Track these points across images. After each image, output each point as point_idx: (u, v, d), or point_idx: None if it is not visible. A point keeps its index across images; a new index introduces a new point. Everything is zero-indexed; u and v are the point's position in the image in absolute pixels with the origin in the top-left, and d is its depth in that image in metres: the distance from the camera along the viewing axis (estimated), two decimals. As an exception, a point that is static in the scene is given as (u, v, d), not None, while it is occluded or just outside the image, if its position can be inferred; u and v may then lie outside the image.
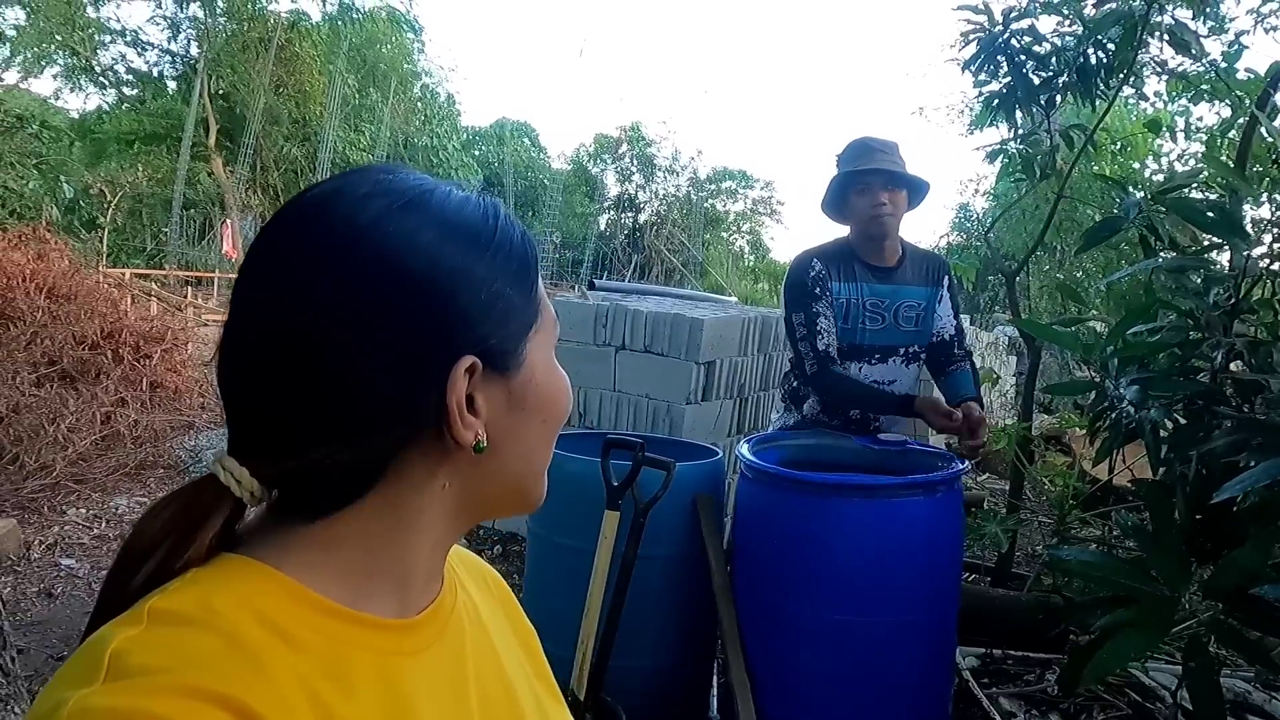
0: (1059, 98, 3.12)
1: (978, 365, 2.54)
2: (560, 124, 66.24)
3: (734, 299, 8.04)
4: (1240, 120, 3.35)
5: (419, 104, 23.41)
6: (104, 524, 3.98)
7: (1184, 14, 2.98)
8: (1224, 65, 3.39)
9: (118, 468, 4.63)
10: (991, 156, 4.14)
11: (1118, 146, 6.04)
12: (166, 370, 5.88)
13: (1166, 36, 2.81)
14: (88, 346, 5.42)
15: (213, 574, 0.47)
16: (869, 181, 2.23)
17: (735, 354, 3.97)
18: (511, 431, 0.54)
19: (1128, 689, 2.40)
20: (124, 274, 9.65)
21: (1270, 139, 2.62)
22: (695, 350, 3.72)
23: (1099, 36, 2.85)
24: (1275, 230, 1.91)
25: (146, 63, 20.66)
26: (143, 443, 4.98)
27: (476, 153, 26.57)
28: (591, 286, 5.23)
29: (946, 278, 2.39)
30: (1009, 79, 3.09)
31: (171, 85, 20.75)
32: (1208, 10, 3.49)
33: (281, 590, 0.48)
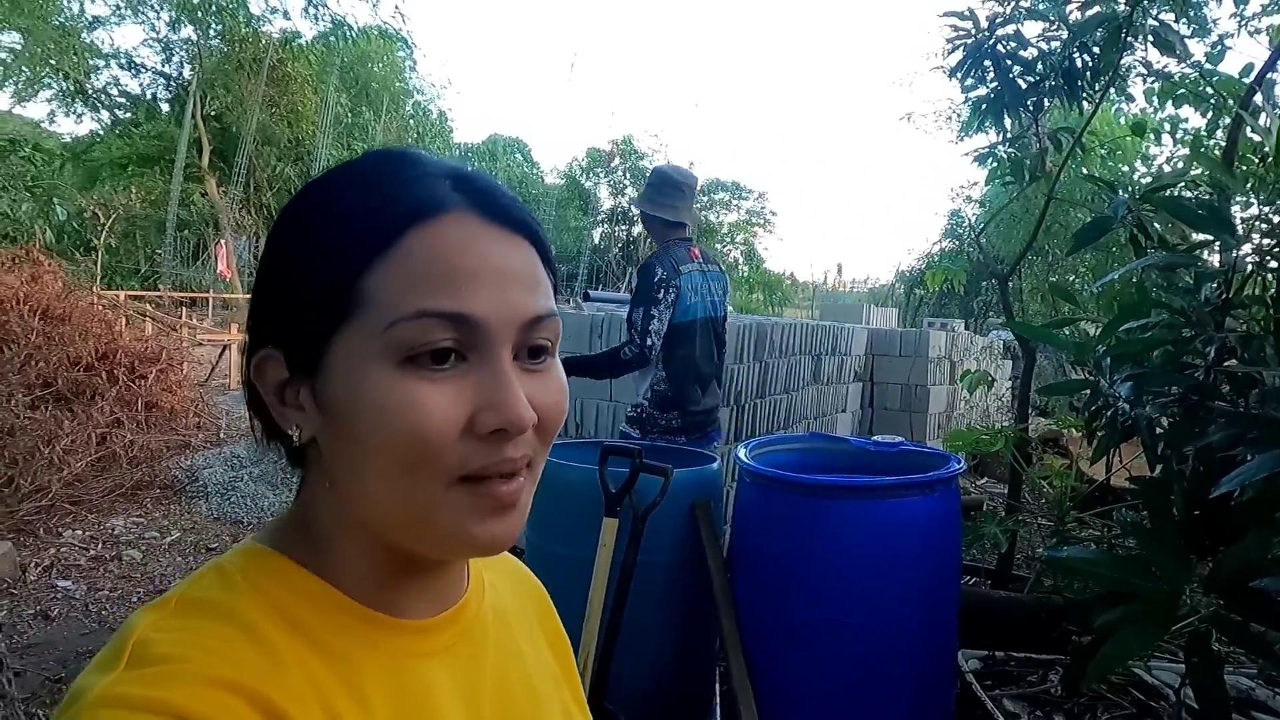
0: (1046, 101, 3.15)
1: (974, 369, 2.61)
2: (552, 139, 66.56)
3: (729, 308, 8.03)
4: (1225, 120, 3.38)
5: (411, 121, 23.44)
6: (100, 545, 3.96)
7: (1168, 16, 3.02)
8: (1208, 66, 3.42)
9: (114, 489, 4.61)
10: (981, 160, 4.16)
11: (1105, 151, 6.08)
12: (162, 390, 5.86)
13: (1151, 38, 2.84)
14: (82, 368, 5.40)
15: (237, 564, 0.47)
16: None
17: (731, 361, 3.97)
18: (334, 444, 0.46)
19: (1131, 688, 2.39)
20: (119, 296, 9.62)
21: (1257, 138, 2.64)
22: (691, 359, 3.71)
23: (1083, 39, 2.88)
24: (1264, 226, 1.92)
25: (140, 85, 20.68)
26: (139, 463, 4.96)
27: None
28: (586, 298, 5.24)
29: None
30: (995, 84, 3.12)
31: (164, 107, 20.74)
32: (1191, 13, 3.52)
33: (301, 584, 0.47)
